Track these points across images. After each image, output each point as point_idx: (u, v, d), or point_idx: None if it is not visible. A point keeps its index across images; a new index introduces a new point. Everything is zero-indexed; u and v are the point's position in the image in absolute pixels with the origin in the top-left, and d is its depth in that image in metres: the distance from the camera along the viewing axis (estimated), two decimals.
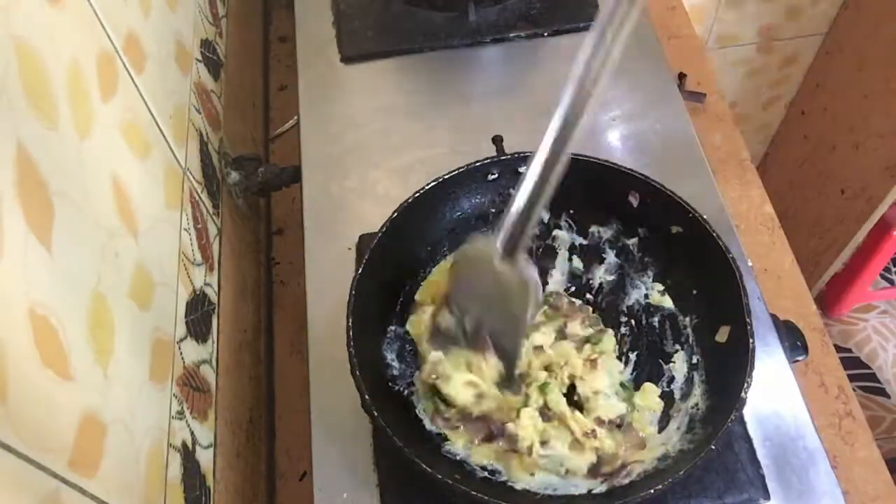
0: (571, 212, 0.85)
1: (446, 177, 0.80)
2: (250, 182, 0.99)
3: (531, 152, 0.80)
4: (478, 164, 0.81)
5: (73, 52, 0.59)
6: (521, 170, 0.81)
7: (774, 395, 0.76)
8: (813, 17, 1.80)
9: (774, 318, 0.81)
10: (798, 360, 0.79)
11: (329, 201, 0.92)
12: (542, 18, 1.07)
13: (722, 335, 0.72)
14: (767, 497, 0.70)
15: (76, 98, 0.59)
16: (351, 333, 0.70)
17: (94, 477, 0.51)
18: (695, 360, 0.75)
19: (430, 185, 0.80)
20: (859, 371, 2.04)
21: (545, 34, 1.06)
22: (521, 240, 0.62)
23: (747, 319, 0.68)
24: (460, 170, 0.81)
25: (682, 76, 1.17)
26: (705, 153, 0.95)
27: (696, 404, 0.72)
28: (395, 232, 0.77)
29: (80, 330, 0.53)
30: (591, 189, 0.81)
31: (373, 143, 0.97)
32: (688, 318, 0.77)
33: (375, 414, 0.66)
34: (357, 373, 0.68)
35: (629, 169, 0.79)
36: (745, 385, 0.64)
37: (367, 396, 0.66)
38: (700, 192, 0.90)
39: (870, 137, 1.72)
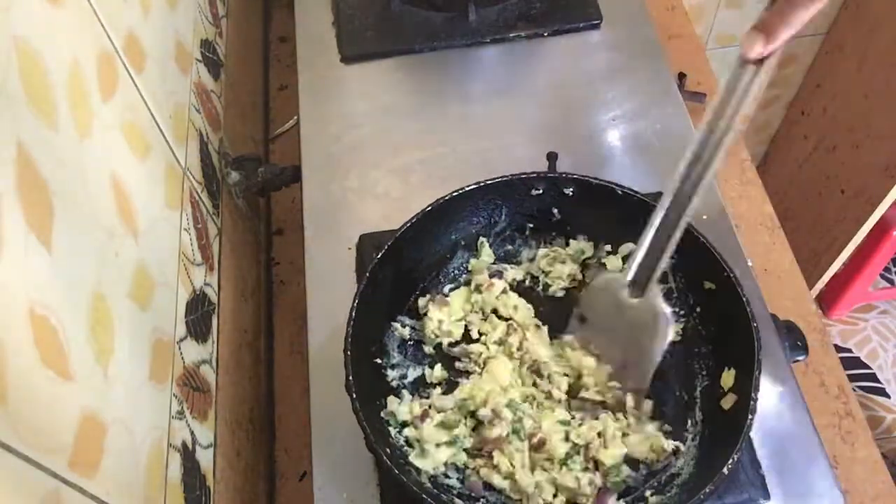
0: (608, 245, 0.84)
1: (489, 182, 0.79)
2: (250, 182, 0.99)
3: (581, 175, 0.80)
4: (523, 175, 0.80)
5: (73, 52, 0.59)
6: (567, 191, 0.81)
7: (774, 395, 0.76)
8: (813, 18, 1.80)
9: (774, 318, 0.81)
10: (798, 360, 0.79)
11: (329, 201, 0.92)
12: (542, 18, 1.07)
13: (727, 402, 0.71)
14: (767, 497, 0.70)
15: (76, 98, 0.59)
16: (354, 314, 0.70)
17: (94, 477, 0.51)
18: (697, 423, 0.73)
19: (470, 188, 0.79)
20: (859, 371, 2.04)
21: (545, 34, 1.06)
22: (651, 276, 0.64)
23: (753, 395, 0.66)
24: (504, 178, 0.80)
25: (682, 76, 1.17)
26: None
27: (683, 467, 0.70)
28: (428, 223, 0.77)
29: (80, 330, 0.53)
30: (636, 226, 0.80)
31: (373, 143, 0.97)
32: (698, 379, 0.76)
33: (353, 395, 0.66)
34: (348, 351, 0.68)
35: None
36: (731, 461, 0.63)
37: (350, 377, 0.67)
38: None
39: (870, 137, 1.72)
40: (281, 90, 1.27)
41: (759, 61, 0.58)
